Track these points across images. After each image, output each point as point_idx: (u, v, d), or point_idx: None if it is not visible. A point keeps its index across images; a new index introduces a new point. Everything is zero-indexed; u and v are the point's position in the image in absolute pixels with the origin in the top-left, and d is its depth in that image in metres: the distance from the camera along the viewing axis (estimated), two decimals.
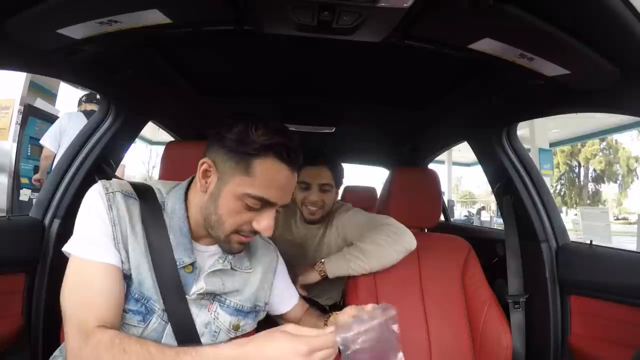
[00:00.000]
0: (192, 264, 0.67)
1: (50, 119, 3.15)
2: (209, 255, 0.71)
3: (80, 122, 2.25)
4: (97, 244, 0.60)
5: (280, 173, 0.62)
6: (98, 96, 1.93)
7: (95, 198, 0.63)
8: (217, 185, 0.63)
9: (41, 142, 2.53)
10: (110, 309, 0.58)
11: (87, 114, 2.49)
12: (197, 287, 0.67)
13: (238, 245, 0.67)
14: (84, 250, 0.60)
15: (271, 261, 0.82)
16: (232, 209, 0.62)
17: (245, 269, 0.75)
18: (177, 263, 0.65)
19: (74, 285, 0.59)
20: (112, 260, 0.60)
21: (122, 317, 0.61)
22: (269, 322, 0.83)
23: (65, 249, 0.61)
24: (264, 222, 0.63)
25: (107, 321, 0.57)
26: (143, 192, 0.67)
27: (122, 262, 0.61)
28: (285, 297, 0.85)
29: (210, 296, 0.69)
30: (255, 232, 0.65)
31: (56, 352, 0.69)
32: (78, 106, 2.69)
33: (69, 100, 3.46)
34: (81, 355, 0.54)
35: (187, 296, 0.66)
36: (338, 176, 1.27)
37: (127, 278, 0.62)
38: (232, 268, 0.72)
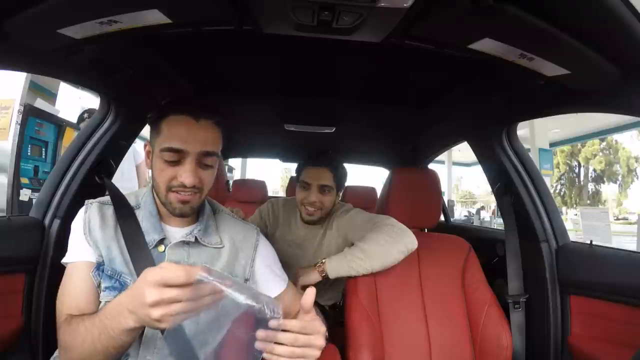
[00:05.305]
0: (162, 241, 0.74)
1: (51, 119, 3.15)
2: (180, 236, 0.76)
3: None
4: (76, 248, 0.72)
5: (180, 123, 0.70)
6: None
7: (78, 215, 0.75)
8: (151, 157, 0.75)
9: None
10: (83, 297, 0.68)
11: None
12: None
13: (179, 205, 0.72)
14: (68, 257, 0.72)
15: (248, 237, 0.84)
16: (158, 167, 0.72)
17: (215, 245, 0.78)
18: (149, 244, 0.72)
19: (60, 289, 0.70)
20: (87, 258, 0.70)
21: (100, 296, 0.69)
22: None
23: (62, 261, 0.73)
24: (183, 172, 0.70)
25: (79, 307, 0.66)
26: (118, 200, 0.78)
27: (94, 250, 0.70)
28: (270, 282, 0.84)
29: None
30: (184, 186, 0.70)
31: (56, 353, 0.69)
32: (79, 122, 2.72)
33: (69, 100, 3.46)
34: (59, 344, 0.64)
35: None
36: (340, 179, 1.26)
37: (102, 265, 0.70)
38: (197, 241, 0.75)
